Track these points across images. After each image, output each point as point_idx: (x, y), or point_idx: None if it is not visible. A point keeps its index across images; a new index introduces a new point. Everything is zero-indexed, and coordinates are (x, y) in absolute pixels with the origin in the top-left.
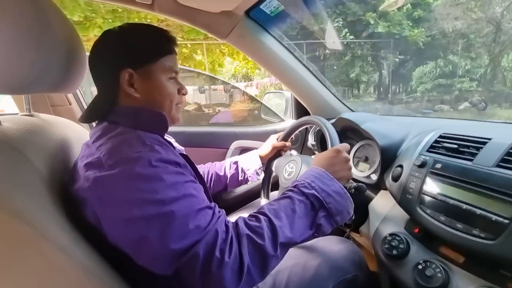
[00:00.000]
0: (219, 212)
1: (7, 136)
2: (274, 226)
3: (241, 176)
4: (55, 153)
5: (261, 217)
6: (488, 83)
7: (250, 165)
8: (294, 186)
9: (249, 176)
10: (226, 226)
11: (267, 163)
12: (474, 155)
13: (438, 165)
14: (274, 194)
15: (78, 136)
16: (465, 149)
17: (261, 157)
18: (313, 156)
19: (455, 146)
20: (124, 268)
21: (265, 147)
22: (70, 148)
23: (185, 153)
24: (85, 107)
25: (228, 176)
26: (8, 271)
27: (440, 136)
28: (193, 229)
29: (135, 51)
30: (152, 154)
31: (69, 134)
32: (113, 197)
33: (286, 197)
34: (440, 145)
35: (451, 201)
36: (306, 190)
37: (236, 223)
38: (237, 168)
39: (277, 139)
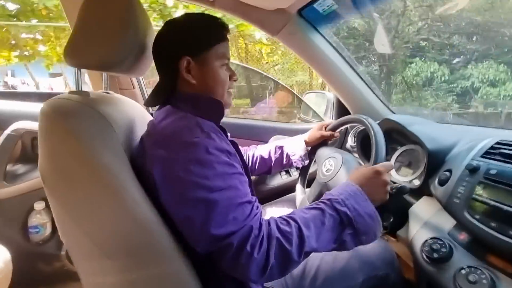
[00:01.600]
0: (257, 208)
1: (98, 106)
2: (303, 235)
3: (286, 161)
4: (127, 127)
5: (292, 223)
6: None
7: (296, 150)
8: (328, 199)
9: (294, 162)
10: (260, 224)
11: (310, 150)
12: None
13: (493, 171)
14: (306, 190)
15: (143, 115)
16: None
17: (306, 143)
18: (353, 163)
19: None
20: (178, 233)
21: (312, 134)
22: (137, 124)
23: (233, 139)
24: (145, 91)
25: (273, 160)
26: (92, 213)
27: (497, 143)
28: (231, 220)
29: (192, 40)
30: (208, 141)
31: (136, 112)
32: (172, 175)
33: (318, 209)
34: (496, 152)
35: (505, 208)
36: (338, 206)
37: (268, 223)
38: (282, 153)
39: (325, 128)
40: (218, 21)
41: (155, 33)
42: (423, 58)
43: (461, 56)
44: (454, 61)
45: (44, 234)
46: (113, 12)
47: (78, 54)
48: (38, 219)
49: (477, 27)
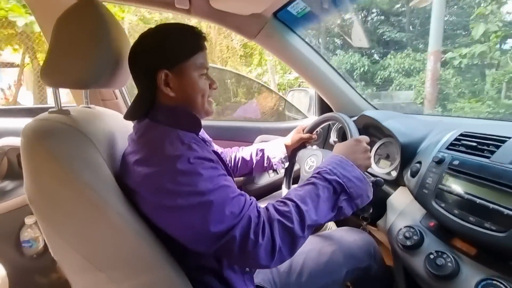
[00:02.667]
0: (250, 199)
1: (78, 124)
2: (301, 210)
3: (266, 163)
4: (109, 141)
5: (289, 202)
6: None
7: (276, 153)
8: (318, 173)
9: (274, 164)
10: (258, 211)
11: (291, 153)
12: (492, 153)
13: (456, 162)
14: (294, 187)
15: (125, 127)
16: (484, 147)
17: (286, 146)
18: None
19: (474, 144)
20: (166, 244)
21: (292, 137)
22: (119, 137)
23: (213, 145)
24: (128, 101)
25: (254, 162)
26: (79, 230)
27: (461, 135)
28: (229, 214)
29: (169, 52)
30: (190, 152)
31: (118, 124)
32: (162, 188)
33: (311, 184)
34: (460, 143)
35: (466, 196)
36: (328, 176)
37: (266, 209)
38: (263, 156)
39: (303, 131)
40: (194, 30)
41: (131, 44)
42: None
43: (381, 47)
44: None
45: (38, 247)
46: (84, 28)
47: (54, 74)
48: (30, 233)
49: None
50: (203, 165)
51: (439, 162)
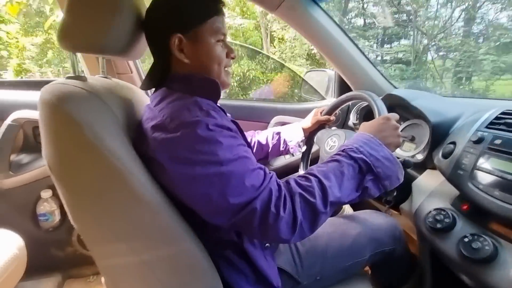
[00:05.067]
0: (270, 172)
1: (97, 90)
2: (324, 186)
3: (283, 147)
4: (127, 111)
5: (311, 177)
6: None
7: (293, 136)
8: (342, 151)
9: (291, 148)
10: (279, 185)
11: (308, 135)
12: None
13: (498, 141)
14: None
15: (142, 99)
16: None
17: (303, 130)
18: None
19: None
20: (185, 216)
21: (308, 120)
22: (137, 108)
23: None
24: (143, 75)
25: (270, 146)
26: (100, 198)
27: (502, 113)
28: (249, 187)
29: (182, 15)
30: (208, 119)
31: (135, 97)
32: (179, 156)
33: (334, 160)
34: (502, 122)
35: (509, 176)
36: (354, 154)
37: (287, 182)
38: (279, 139)
39: (321, 113)
40: None
41: None
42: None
43: None
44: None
45: (54, 221)
46: None
47: (71, 37)
48: (46, 207)
49: None
50: (222, 133)
51: (478, 141)
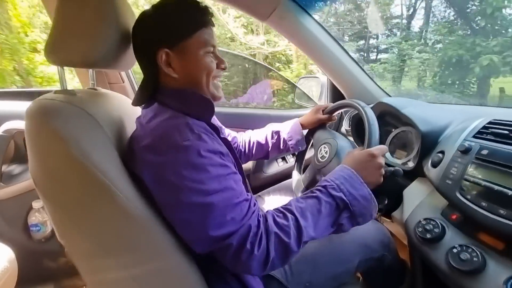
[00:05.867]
0: (254, 205)
1: (84, 105)
2: (300, 226)
3: (283, 146)
4: (116, 124)
5: (289, 215)
6: None
7: (292, 134)
8: (324, 186)
9: (291, 147)
10: (258, 221)
11: (307, 132)
12: None
13: (485, 151)
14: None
15: (133, 110)
16: None
17: (302, 126)
18: (348, 149)
19: (506, 132)
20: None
21: (308, 117)
22: (127, 120)
23: (224, 132)
24: (135, 84)
25: (270, 145)
26: (86, 213)
27: (489, 122)
28: (230, 220)
29: (168, 30)
30: (200, 143)
31: (126, 107)
32: (165, 180)
33: (314, 197)
34: (489, 131)
35: (496, 187)
36: (334, 192)
37: (266, 219)
38: (278, 138)
39: (323, 111)
40: (198, 5)
41: None
42: None
43: None
44: None
45: (45, 231)
46: (91, 5)
47: (59, 51)
48: (38, 217)
49: None
50: (212, 160)
51: (465, 151)
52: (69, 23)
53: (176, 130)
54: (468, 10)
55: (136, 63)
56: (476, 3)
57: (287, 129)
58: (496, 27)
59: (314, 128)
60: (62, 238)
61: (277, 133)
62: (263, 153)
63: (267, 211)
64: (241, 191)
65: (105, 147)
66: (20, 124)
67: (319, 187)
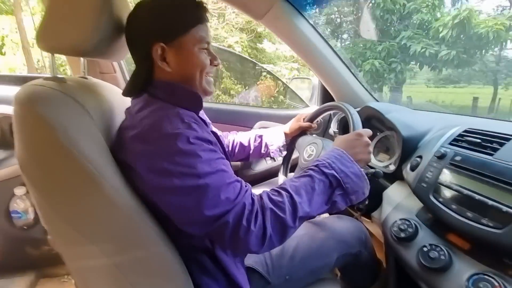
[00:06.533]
0: (245, 186)
1: (74, 93)
2: (295, 202)
3: (264, 150)
4: (105, 113)
5: (283, 192)
6: None
7: (274, 141)
8: (316, 166)
9: (272, 152)
10: (252, 199)
11: (290, 141)
12: (496, 150)
13: (458, 158)
14: (291, 175)
15: (123, 101)
16: (488, 144)
17: (285, 134)
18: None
19: (478, 140)
20: (160, 221)
21: (291, 126)
22: (117, 110)
23: (213, 128)
24: (126, 75)
25: (252, 148)
26: (71, 201)
27: (465, 131)
28: (224, 200)
29: (165, 25)
30: (189, 131)
31: (115, 98)
32: (158, 167)
33: (307, 176)
34: (463, 139)
35: (465, 191)
36: (326, 170)
37: (261, 197)
38: (261, 142)
39: (303, 119)
40: (194, 1)
41: None
42: None
43: None
44: None
45: (27, 219)
46: None
47: (51, 38)
48: (20, 204)
49: None
50: (202, 146)
51: (441, 157)
52: (62, 11)
53: (166, 119)
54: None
55: (129, 53)
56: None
57: (270, 135)
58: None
59: (296, 136)
60: (47, 224)
61: (260, 137)
62: (244, 155)
63: (262, 191)
64: (232, 172)
65: (93, 136)
66: (6, 109)
67: (312, 167)
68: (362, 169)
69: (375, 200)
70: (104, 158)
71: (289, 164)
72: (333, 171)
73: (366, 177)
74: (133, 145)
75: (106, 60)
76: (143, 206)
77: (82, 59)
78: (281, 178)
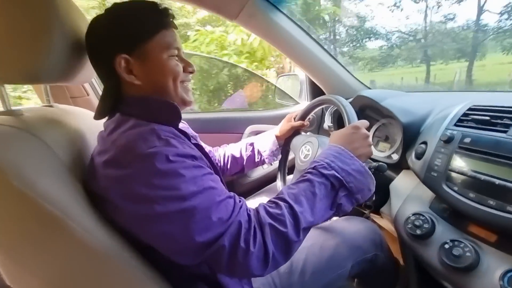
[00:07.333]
0: (240, 201)
1: (29, 125)
2: (296, 212)
3: (258, 158)
4: (74, 142)
5: (282, 203)
6: None
7: (266, 146)
8: (313, 168)
9: (266, 158)
10: (248, 215)
11: (284, 143)
12: (508, 126)
13: (467, 140)
14: (290, 178)
15: (96, 125)
16: (498, 121)
17: (277, 137)
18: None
19: (487, 118)
20: (147, 254)
21: (282, 127)
22: (88, 137)
23: (198, 140)
24: None
25: (245, 158)
26: (37, 252)
27: (470, 109)
28: (216, 221)
29: (124, 33)
30: (168, 149)
31: (87, 123)
32: (135, 194)
33: (306, 180)
34: (470, 118)
35: (482, 177)
36: (325, 172)
37: (257, 212)
38: (253, 150)
39: (294, 119)
40: (155, 6)
41: None
42: None
43: None
44: None
45: None
46: (29, 13)
47: None
48: None
49: None
50: (185, 163)
51: (448, 140)
52: (5, 35)
53: (141, 138)
54: None
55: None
56: None
57: (261, 141)
58: None
59: (289, 137)
60: (12, 283)
61: (252, 145)
62: (239, 167)
63: (258, 204)
64: (222, 189)
65: (55, 172)
66: None
67: (309, 169)
68: (364, 164)
69: (382, 194)
70: (71, 196)
71: (286, 168)
72: (333, 171)
73: (369, 172)
74: (105, 172)
75: (70, 84)
76: (123, 243)
77: (43, 86)
78: (279, 184)
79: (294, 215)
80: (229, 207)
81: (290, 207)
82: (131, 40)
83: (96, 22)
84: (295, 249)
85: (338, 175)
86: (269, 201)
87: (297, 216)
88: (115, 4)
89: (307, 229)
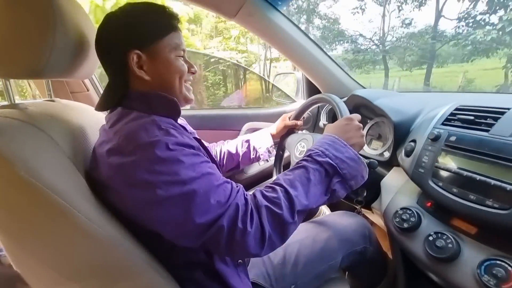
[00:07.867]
0: (237, 186)
1: (34, 119)
2: (291, 196)
3: (253, 155)
4: (76, 135)
5: (277, 188)
6: None
7: (262, 143)
8: (308, 156)
9: (261, 155)
10: (245, 199)
11: (279, 141)
12: (491, 126)
13: (453, 138)
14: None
15: (96, 120)
16: (482, 120)
17: (272, 136)
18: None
19: (472, 117)
20: (149, 241)
21: (277, 126)
22: (89, 131)
23: (197, 136)
24: (101, 92)
25: (241, 154)
26: (42, 239)
27: (456, 109)
28: (215, 204)
29: (140, 31)
30: (168, 138)
31: (87, 118)
32: (138, 180)
33: (301, 167)
34: (456, 118)
35: (465, 173)
36: (320, 159)
37: (254, 195)
38: (249, 147)
39: (289, 118)
40: (166, 9)
41: (95, 29)
42: None
43: None
44: None
45: None
46: (32, 10)
47: (2, 62)
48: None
49: None
50: (184, 151)
51: (435, 139)
52: (10, 32)
53: (142, 128)
54: None
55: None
56: None
57: (257, 138)
58: None
59: (284, 136)
60: (19, 268)
61: (247, 141)
62: (234, 164)
63: (255, 189)
64: (219, 175)
65: (59, 164)
66: None
67: (305, 157)
68: (357, 154)
69: (374, 190)
70: (74, 187)
71: (282, 165)
72: (327, 159)
73: (362, 159)
74: (108, 160)
75: (72, 79)
76: (126, 231)
77: (45, 80)
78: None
79: (289, 198)
80: (227, 191)
81: (286, 191)
82: (146, 37)
83: (111, 19)
84: (290, 231)
85: (332, 162)
86: (266, 186)
87: (292, 199)
88: (130, 4)
89: (301, 212)
